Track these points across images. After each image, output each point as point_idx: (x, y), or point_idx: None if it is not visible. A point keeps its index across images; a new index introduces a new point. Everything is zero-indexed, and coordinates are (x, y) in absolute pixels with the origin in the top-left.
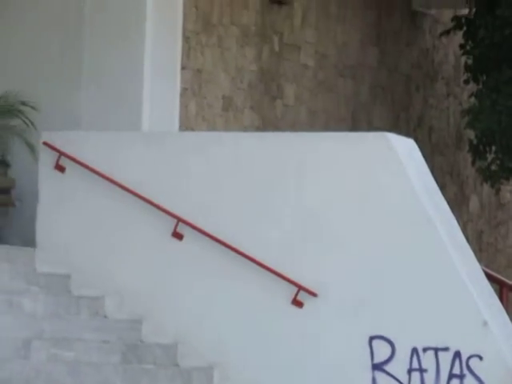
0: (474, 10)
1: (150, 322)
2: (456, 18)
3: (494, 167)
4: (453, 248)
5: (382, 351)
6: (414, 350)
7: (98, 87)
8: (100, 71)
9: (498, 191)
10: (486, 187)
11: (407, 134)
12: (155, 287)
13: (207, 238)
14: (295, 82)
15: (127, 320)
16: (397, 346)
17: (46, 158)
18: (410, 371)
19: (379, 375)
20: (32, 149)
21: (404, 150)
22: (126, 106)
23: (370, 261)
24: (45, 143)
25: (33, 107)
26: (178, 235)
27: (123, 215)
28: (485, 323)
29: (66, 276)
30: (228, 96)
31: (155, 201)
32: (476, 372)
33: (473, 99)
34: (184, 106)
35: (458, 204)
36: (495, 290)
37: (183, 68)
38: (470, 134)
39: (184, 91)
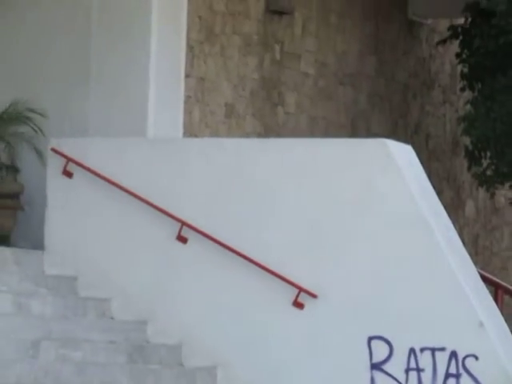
0: (469, 19)
1: (156, 323)
2: (452, 28)
3: (489, 172)
4: (449, 251)
5: (380, 351)
6: (412, 350)
7: (105, 95)
8: (106, 79)
9: (492, 195)
10: (482, 192)
11: (405, 141)
12: (160, 289)
13: (210, 242)
14: (296, 89)
15: (133, 321)
16: (395, 346)
17: (54, 164)
18: (407, 371)
19: (378, 375)
20: (40, 155)
21: (402, 155)
22: (132, 112)
23: (369, 263)
24: (53, 149)
25: (41, 114)
26: (182, 239)
27: (129, 219)
28: (480, 324)
29: (74, 278)
30: (230, 103)
31: (160, 205)
32: (472, 371)
33: (468, 107)
34: (188, 113)
35: (454, 208)
36: (490, 292)
37: (187, 76)
38: (466, 140)
39: (188, 99)
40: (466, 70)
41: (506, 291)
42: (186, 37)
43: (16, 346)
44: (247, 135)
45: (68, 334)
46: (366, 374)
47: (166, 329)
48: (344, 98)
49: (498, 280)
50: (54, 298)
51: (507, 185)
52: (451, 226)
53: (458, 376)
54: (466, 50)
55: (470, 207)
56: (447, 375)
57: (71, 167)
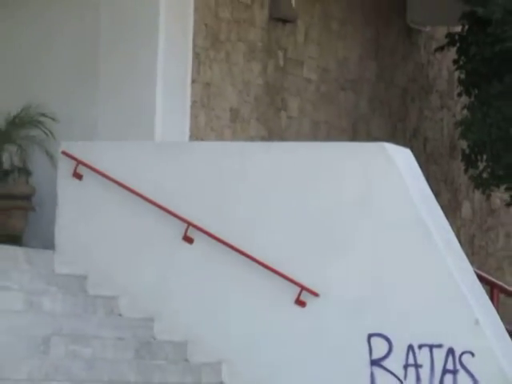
0: (466, 27)
1: (162, 321)
2: (449, 35)
3: (485, 175)
4: (447, 251)
5: (380, 348)
6: (410, 347)
7: (114, 100)
8: (115, 85)
9: (488, 197)
10: (478, 194)
11: (404, 144)
12: (167, 288)
13: (216, 242)
14: (299, 94)
15: (140, 318)
16: (394, 342)
17: (65, 167)
18: (406, 367)
19: (377, 370)
20: (51, 157)
21: (401, 158)
22: (140, 117)
23: (369, 263)
24: (63, 152)
25: (52, 118)
26: (188, 239)
27: (136, 220)
28: (476, 322)
29: (83, 277)
30: (235, 108)
31: (167, 206)
32: (468, 367)
33: (465, 111)
34: (194, 118)
35: (451, 210)
36: (486, 291)
37: (193, 82)
38: (463, 144)
39: (194, 103)
40: (462, 76)
41: (502, 290)
42: (192, 44)
43: (27, 342)
44: (251, 139)
45: (78, 331)
46: (366, 369)
47: (172, 326)
48: (345, 103)
49: (493, 279)
50: (64, 296)
51: (502, 187)
52: (448, 226)
53: (454, 372)
54: (462, 57)
55: (466, 209)
56: (444, 371)
57: (81, 169)
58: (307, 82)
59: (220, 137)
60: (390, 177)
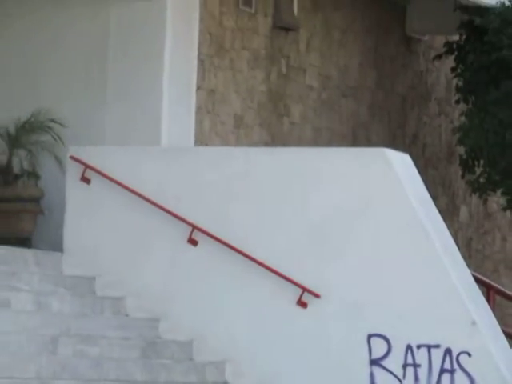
0: (464, 36)
1: (167, 321)
2: (447, 44)
3: (481, 180)
4: (444, 254)
5: (379, 348)
6: (409, 347)
7: (121, 106)
8: (123, 91)
9: (485, 202)
10: (475, 198)
11: (403, 150)
12: (172, 289)
13: (220, 244)
14: (301, 101)
15: (146, 319)
16: (393, 343)
17: (73, 171)
18: (404, 366)
19: (377, 370)
20: (60, 162)
21: (400, 163)
22: (147, 122)
23: (369, 265)
24: (72, 157)
25: (61, 124)
26: (193, 241)
27: (143, 223)
28: (473, 323)
29: (91, 278)
30: (239, 114)
31: (172, 210)
32: (465, 367)
33: (463, 118)
34: (199, 123)
35: (449, 213)
36: (483, 293)
37: (198, 88)
38: (460, 149)
39: (199, 109)
40: (460, 83)
41: (498, 292)
42: (197, 51)
43: (36, 341)
44: (255, 144)
45: (85, 331)
46: (366, 369)
47: (177, 326)
48: (346, 109)
49: (490, 281)
50: (72, 297)
51: (499, 191)
52: (446, 230)
53: (452, 371)
54: (460, 65)
55: (463, 212)
56: (442, 371)
57: (89, 174)
58: (309, 89)
59: (224, 142)
60: (390, 181)
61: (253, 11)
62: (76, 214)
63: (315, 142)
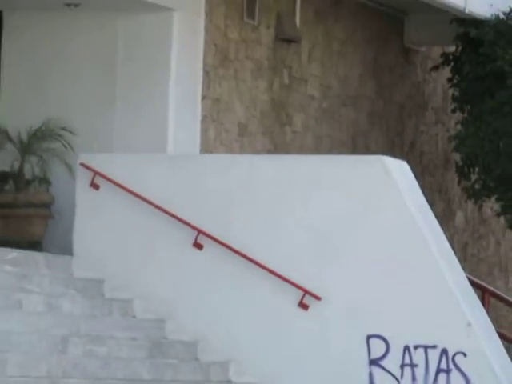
0: (460, 47)
1: (173, 322)
2: (444, 55)
3: (477, 186)
4: (441, 258)
5: (377, 348)
6: (406, 348)
7: (129, 115)
8: (130, 101)
9: (480, 207)
10: (470, 204)
11: (401, 157)
12: (178, 291)
13: (224, 248)
14: (302, 110)
15: (153, 320)
16: (391, 343)
17: (83, 177)
18: (402, 366)
19: (375, 370)
20: (70, 168)
21: (398, 170)
22: (153, 131)
23: (368, 268)
24: (82, 164)
25: (71, 132)
26: (198, 245)
27: (150, 227)
28: (469, 324)
29: (100, 281)
30: (243, 123)
31: (178, 215)
32: (461, 367)
33: (459, 126)
34: (204, 132)
35: (445, 219)
36: (478, 295)
37: (203, 98)
38: (456, 157)
39: (204, 118)
40: (456, 93)
41: (492, 294)
42: (202, 62)
43: (47, 341)
44: (258, 152)
45: (94, 332)
46: (365, 369)
47: (183, 327)
48: (346, 118)
49: (484, 284)
50: (81, 299)
51: (493, 198)
52: (442, 234)
53: (448, 371)
54: (456, 76)
55: (459, 218)
56: (438, 370)
57: (98, 180)
58: (310, 98)
59: (228, 150)
60: (388, 187)
61: (256, 23)
62: (85, 218)
63: (316, 149)
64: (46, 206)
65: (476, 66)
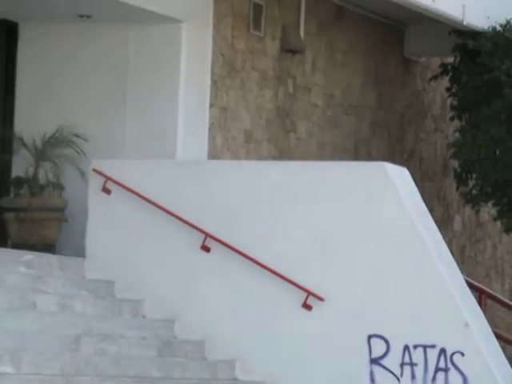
0: (458, 58)
1: (182, 322)
2: (443, 65)
3: (474, 192)
4: (439, 261)
5: (378, 348)
6: (406, 347)
7: (140, 122)
8: (141, 109)
9: (477, 212)
10: (468, 209)
11: (401, 164)
12: (186, 292)
13: (231, 251)
14: (306, 118)
15: (162, 320)
16: (391, 343)
17: (95, 182)
18: (402, 365)
19: (376, 368)
20: (82, 174)
21: (398, 176)
22: (163, 138)
23: (369, 271)
24: (94, 169)
25: (84, 138)
26: (205, 248)
27: (160, 231)
28: (466, 324)
29: (111, 282)
30: (249, 130)
31: (187, 218)
32: (458, 366)
33: (457, 134)
34: (212, 139)
35: (444, 223)
36: (475, 297)
37: (211, 106)
38: (455, 163)
39: (212, 126)
40: (454, 102)
41: (489, 296)
42: (210, 72)
43: (60, 340)
44: (263, 158)
45: (105, 331)
46: (366, 367)
47: (191, 326)
48: (348, 126)
49: (481, 286)
50: (93, 300)
51: (490, 203)
52: (441, 238)
53: (446, 370)
54: (455, 85)
55: (457, 222)
56: (437, 369)
57: (110, 185)
58: (314, 106)
59: (235, 156)
60: (389, 193)
61: (262, 35)
62: (97, 222)
63: (319, 156)
64: (60, 210)
65: (473, 75)
